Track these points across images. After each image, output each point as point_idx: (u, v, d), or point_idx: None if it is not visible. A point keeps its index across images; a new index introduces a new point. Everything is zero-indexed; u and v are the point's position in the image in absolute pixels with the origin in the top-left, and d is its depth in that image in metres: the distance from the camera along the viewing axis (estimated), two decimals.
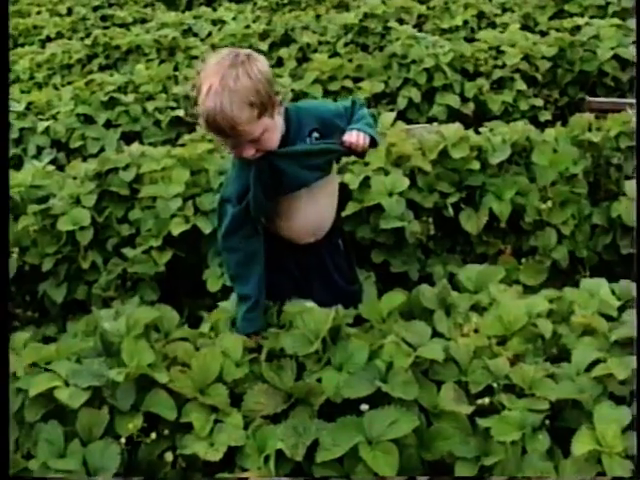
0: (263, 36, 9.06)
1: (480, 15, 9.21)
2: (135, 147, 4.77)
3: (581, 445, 2.32)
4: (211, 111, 2.82)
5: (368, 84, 6.85)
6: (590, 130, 4.60)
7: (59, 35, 11.11)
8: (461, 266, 4.04)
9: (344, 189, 3.91)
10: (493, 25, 8.99)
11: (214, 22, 10.38)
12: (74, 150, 6.29)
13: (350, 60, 7.26)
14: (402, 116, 6.36)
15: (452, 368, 2.68)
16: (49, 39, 10.95)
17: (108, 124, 6.50)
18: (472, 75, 6.90)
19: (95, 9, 12.97)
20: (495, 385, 2.60)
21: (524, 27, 8.55)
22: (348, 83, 6.91)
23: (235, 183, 3.13)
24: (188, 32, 10.04)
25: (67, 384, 2.63)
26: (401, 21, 8.98)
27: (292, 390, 2.61)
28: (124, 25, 11.22)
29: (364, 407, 2.50)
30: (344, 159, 4.11)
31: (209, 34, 9.87)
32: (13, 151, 6.31)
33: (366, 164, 4.25)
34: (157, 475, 2.54)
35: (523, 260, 4.26)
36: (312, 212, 3.25)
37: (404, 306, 3.05)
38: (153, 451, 2.57)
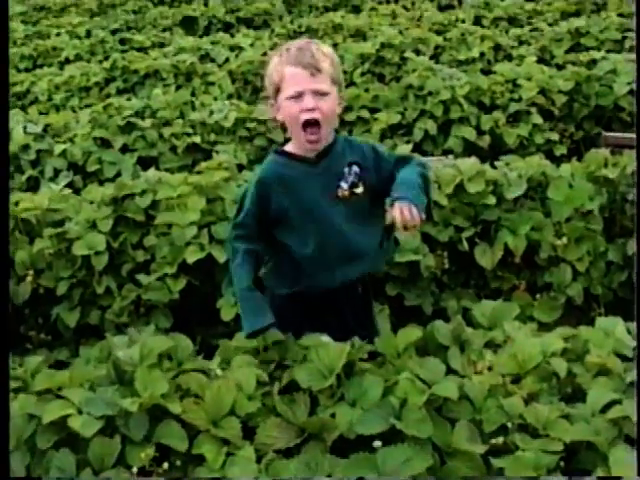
0: None
1: (497, 47, 9.26)
2: (152, 173, 4.79)
3: None
4: (299, 46, 3.02)
5: (384, 115, 6.87)
6: (606, 166, 4.60)
7: (78, 57, 11.19)
8: (475, 301, 4.05)
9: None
10: (509, 57, 9.02)
11: (231, 48, 10.43)
12: (90, 174, 6.31)
13: (366, 90, 7.28)
14: (418, 148, 6.38)
15: (466, 406, 2.66)
16: (68, 61, 11.03)
17: (125, 149, 6.53)
18: (488, 108, 6.91)
19: (114, 32, 13.11)
20: (509, 425, 2.58)
21: (540, 60, 8.58)
22: (364, 113, 6.93)
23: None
24: (205, 57, 10.10)
25: (80, 412, 2.62)
26: (418, 52, 9.03)
27: (305, 425, 2.60)
28: (142, 49, 11.29)
29: (377, 444, 2.48)
30: None
31: (226, 60, 9.91)
32: (30, 173, 6.33)
33: None
34: None
35: (538, 296, 4.26)
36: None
37: (419, 342, 3.04)
38: None
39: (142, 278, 4.26)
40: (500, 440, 2.52)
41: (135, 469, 2.50)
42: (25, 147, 6.45)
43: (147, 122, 6.74)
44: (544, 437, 2.52)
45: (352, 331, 3.16)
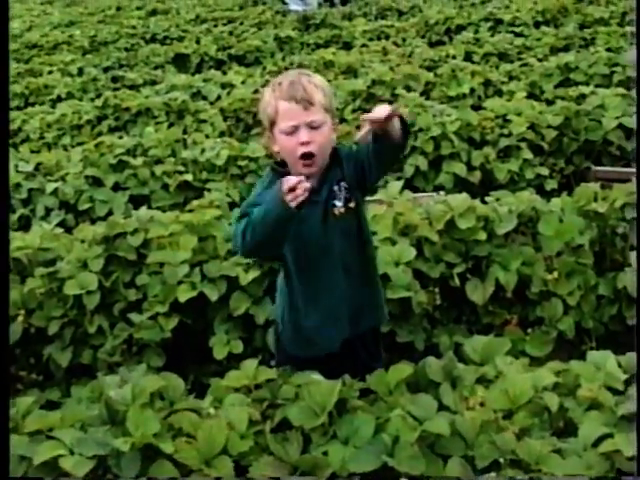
0: None
1: (487, 83, 9.28)
2: (143, 212, 4.79)
3: None
4: (290, 80, 3.11)
5: None
6: (596, 200, 4.62)
7: (70, 95, 11.20)
8: (467, 336, 4.06)
9: None
10: (500, 93, 9.05)
11: (223, 85, 10.46)
12: (82, 212, 6.31)
13: (358, 127, 7.28)
14: (409, 184, 6.39)
15: (458, 442, 2.67)
16: (60, 99, 11.03)
17: (116, 187, 6.53)
18: (479, 143, 6.93)
19: (106, 70, 13.18)
20: (502, 460, 2.59)
21: (530, 95, 8.61)
22: None
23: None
24: (197, 95, 10.12)
25: (72, 452, 2.62)
26: (409, 88, 9.04)
27: (298, 463, 2.60)
28: (134, 87, 11.35)
29: None
30: None
31: (218, 97, 9.94)
32: (21, 211, 6.33)
33: (374, 233, 4.27)
34: None
35: (529, 330, 4.27)
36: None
37: (411, 378, 3.05)
38: None
39: (134, 317, 4.26)
40: (493, 476, 2.53)
41: None
42: (17, 186, 6.44)
43: (139, 160, 6.73)
44: (536, 472, 2.53)
45: (365, 365, 3.30)
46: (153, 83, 11.62)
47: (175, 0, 21.21)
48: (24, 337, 4.34)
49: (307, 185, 2.83)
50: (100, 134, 8.69)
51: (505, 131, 7.01)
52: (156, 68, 13.35)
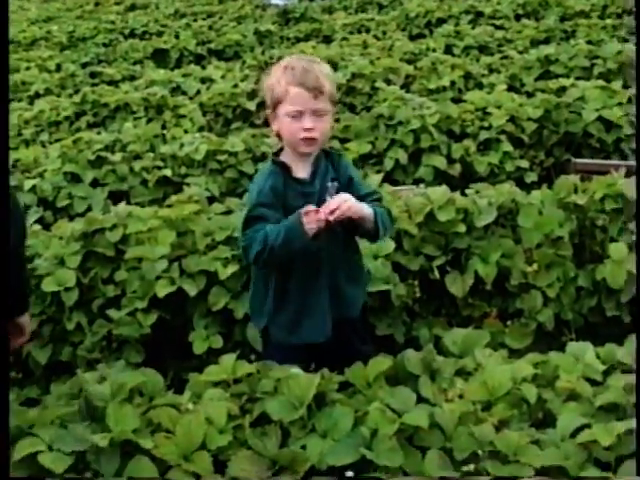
0: (251, 95, 9.09)
1: (467, 76, 9.30)
2: (122, 207, 4.77)
3: None
4: (304, 66, 3.21)
5: (355, 145, 6.88)
6: (576, 192, 4.62)
7: (48, 91, 11.11)
8: (447, 329, 4.06)
9: None
10: (480, 86, 9.07)
11: (203, 80, 10.44)
12: (61, 209, 6.27)
13: (337, 120, 7.29)
14: (389, 177, 6.40)
15: (437, 435, 2.66)
16: (38, 95, 10.95)
17: (95, 183, 6.47)
18: (459, 136, 6.93)
19: (84, 66, 13.09)
20: (480, 452, 2.59)
21: (510, 88, 8.62)
22: (335, 144, 6.93)
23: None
24: (177, 90, 10.09)
25: (51, 449, 2.61)
26: (388, 81, 9.05)
27: (277, 457, 2.59)
28: (113, 82, 11.29)
29: (349, 474, 2.49)
30: None
31: (197, 92, 9.91)
32: None
33: None
34: None
35: (509, 323, 4.27)
36: None
37: (390, 371, 3.05)
38: None
39: (113, 313, 4.24)
40: (471, 467, 2.53)
41: None
42: None
43: (117, 156, 6.70)
44: (514, 463, 2.53)
45: (357, 350, 3.45)
46: (132, 78, 11.56)
47: None
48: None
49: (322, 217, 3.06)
50: (78, 130, 8.62)
51: (485, 124, 7.02)
52: (135, 63, 13.27)
